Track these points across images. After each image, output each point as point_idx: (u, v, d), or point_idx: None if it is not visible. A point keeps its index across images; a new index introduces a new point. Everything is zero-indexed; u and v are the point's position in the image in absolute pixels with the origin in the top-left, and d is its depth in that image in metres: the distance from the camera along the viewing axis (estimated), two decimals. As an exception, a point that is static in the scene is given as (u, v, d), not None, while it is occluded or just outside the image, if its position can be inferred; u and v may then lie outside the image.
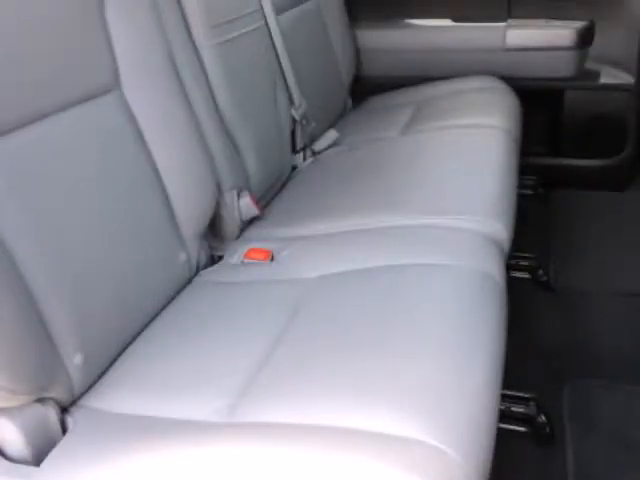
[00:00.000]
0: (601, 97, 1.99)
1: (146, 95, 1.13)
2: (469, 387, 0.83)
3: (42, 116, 0.93)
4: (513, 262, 1.65)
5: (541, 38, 1.91)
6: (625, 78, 1.98)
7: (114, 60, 1.08)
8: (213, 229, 1.32)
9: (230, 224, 1.33)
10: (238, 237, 1.36)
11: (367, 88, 2.12)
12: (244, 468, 0.74)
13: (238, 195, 1.32)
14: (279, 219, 1.39)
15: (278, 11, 1.64)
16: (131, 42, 1.10)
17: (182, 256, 1.18)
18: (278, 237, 1.31)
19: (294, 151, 1.64)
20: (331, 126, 1.83)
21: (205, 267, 1.27)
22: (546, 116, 1.90)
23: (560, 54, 1.91)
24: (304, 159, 1.66)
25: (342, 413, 0.78)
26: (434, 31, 2.05)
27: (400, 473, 0.69)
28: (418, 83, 2.03)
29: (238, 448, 0.77)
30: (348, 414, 0.78)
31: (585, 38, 1.91)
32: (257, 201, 1.37)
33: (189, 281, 1.22)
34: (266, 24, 1.56)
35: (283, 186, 1.57)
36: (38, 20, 0.94)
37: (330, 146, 1.71)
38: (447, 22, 2.05)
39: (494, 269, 1.10)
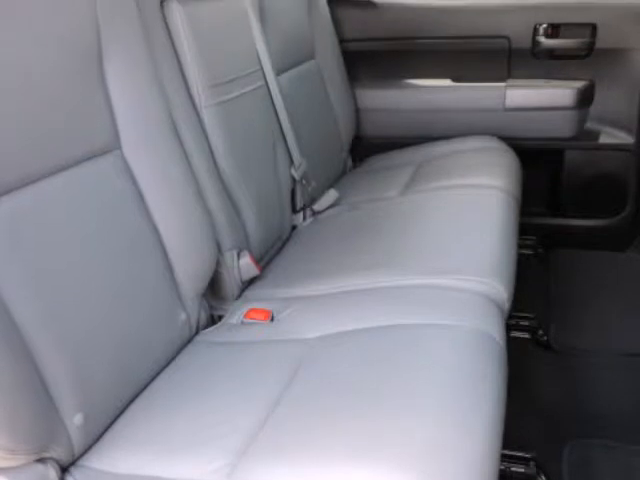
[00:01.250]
0: (601, 157, 2.11)
1: (146, 154, 1.20)
2: (469, 446, 0.88)
3: (43, 176, 0.99)
4: (513, 322, 1.73)
5: (541, 98, 2.04)
6: (625, 138, 2.10)
7: (114, 119, 1.15)
8: (213, 289, 1.39)
9: (230, 284, 1.40)
10: (238, 297, 1.42)
11: (367, 148, 2.24)
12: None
13: (238, 255, 1.40)
14: (279, 279, 1.46)
15: (278, 71, 1.75)
16: (131, 101, 1.17)
17: (182, 316, 1.25)
18: (278, 297, 1.38)
19: (294, 211, 1.73)
20: (331, 186, 1.93)
21: (205, 327, 1.33)
22: (546, 176, 2.01)
23: (560, 114, 2.04)
24: (304, 219, 1.75)
25: (341, 473, 0.84)
26: (434, 91, 2.18)
27: None
28: (418, 143, 2.15)
29: None
30: (347, 474, 0.83)
31: (585, 98, 2.04)
32: (257, 261, 1.45)
33: (189, 341, 1.28)
34: (266, 84, 1.66)
35: (283, 246, 1.65)
36: (38, 79, 1.00)
37: (330, 206, 1.80)
38: (447, 82, 2.18)
39: (494, 329, 1.17)
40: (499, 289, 1.29)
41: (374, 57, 2.26)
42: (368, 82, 2.25)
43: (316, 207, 1.77)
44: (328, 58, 2.10)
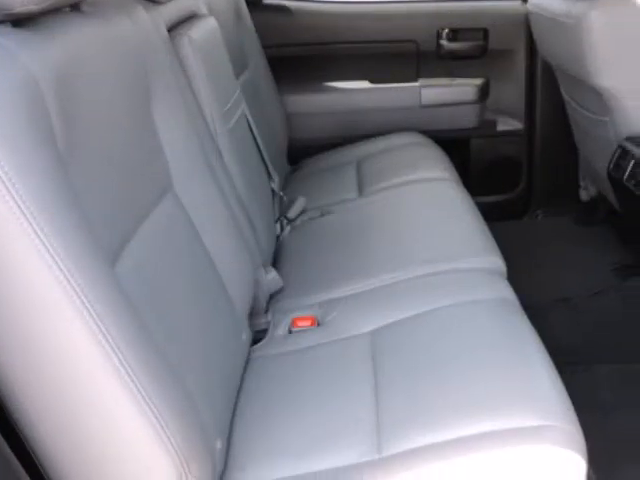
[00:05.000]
0: (499, 142, 2.68)
1: (192, 188, 1.35)
2: (545, 379, 1.19)
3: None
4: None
5: (449, 95, 2.49)
6: (516, 125, 2.69)
7: (167, 162, 1.30)
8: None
9: (260, 299, 1.59)
10: (267, 311, 1.61)
11: (295, 151, 2.51)
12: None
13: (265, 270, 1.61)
14: (297, 288, 1.68)
15: None
16: (177, 142, 1.33)
17: (243, 336, 1.43)
18: (308, 304, 1.59)
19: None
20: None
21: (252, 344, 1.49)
22: (456, 161, 2.40)
23: (464, 108, 2.53)
24: (282, 229, 1.97)
25: (473, 425, 1.08)
26: (355, 93, 2.54)
27: (548, 447, 1.03)
28: (342, 143, 2.48)
29: (405, 477, 1.05)
30: (477, 422, 1.08)
31: (483, 93, 2.56)
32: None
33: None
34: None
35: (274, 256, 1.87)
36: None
37: (300, 213, 2.05)
38: (365, 84, 2.54)
39: (509, 294, 1.52)
40: (496, 261, 1.65)
41: (292, 62, 2.55)
42: (291, 87, 2.53)
43: (290, 215, 2.00)
44: (259, 66, 2.33)
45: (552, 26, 2.14)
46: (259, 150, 1.92)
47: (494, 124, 2.67)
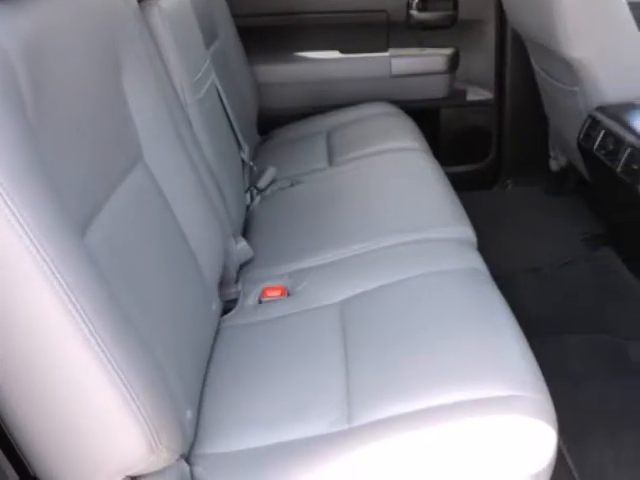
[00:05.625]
0: (468, 112, 2.71)
1: (162, 158, 1.36)
2: (514, 346, 1.21)
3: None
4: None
5: (419, 65, 2.52)
6: (486, 94, 2.72)
7: (137, 132, 1.29)
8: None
9: (230, 269, 1.60)
10: (237, 280, 1.62)
11: (264, 121, 2.51)
12: (389, 462, 1.04)
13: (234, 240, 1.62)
14: (268, 258, 1.69)
15: None
16: (147, 111, 1.33)
17: (213, 306, 1.44)
18: (278, 274, 1.60)
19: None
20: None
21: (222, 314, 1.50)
22: (426, 131, 2.42)
23: (434, 78, 2.56)
24: (252, 199, 1.98)
25: (441, 395, 1.09)
26: (325, 63, 2.54)
27: (517, 417, 1.05)
28: (312, 113, 2.48)
29: (375, 447, 1.06)
30: (446, 392, 1.09)
31: (453, 63, 2.59)
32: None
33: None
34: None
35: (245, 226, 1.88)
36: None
37: (271, 182, 2.05)
38: (335, 54, 2.53)
39: (479, 264, 1.55)
40: (466, 231, 1.68)
41: (262, 32, 2.54)
42: (261, 57, 2.53)
43: (260, 185, 2.01)
44: (229, 36, 2.32)
45: (522, -5, 2.12)
46: (229, 120, 1.92)
47: (464, 94, 2.71)
